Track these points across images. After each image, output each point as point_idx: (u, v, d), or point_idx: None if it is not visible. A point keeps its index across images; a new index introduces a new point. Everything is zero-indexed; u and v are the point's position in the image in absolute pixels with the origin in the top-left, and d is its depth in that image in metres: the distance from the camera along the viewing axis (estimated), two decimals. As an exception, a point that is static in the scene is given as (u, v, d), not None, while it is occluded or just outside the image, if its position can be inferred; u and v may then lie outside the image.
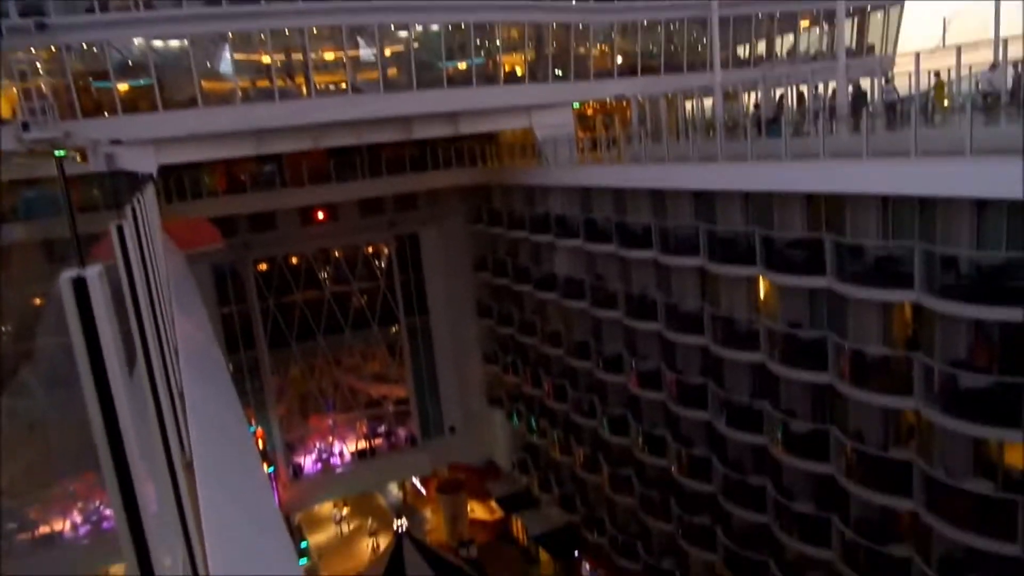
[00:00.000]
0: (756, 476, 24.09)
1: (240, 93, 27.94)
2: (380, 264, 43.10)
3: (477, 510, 44.79)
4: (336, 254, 42.30)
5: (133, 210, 5.55)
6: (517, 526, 42.51)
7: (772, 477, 23.40)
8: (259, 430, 39.59)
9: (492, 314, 40.79)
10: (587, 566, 35.57)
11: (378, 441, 43.57)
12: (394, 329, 42.99)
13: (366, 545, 44.31)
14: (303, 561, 41.71)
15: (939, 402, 17.48)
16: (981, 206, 16.96)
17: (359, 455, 42.82)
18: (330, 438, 42.96)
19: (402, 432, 44.01)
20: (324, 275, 42.23)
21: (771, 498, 23.05)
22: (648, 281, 28.07)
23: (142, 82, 26.79)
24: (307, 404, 43.18)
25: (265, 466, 38.73)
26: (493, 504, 43.39)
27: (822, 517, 21.57)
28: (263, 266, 40.38)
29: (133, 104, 26.81)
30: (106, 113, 26.23)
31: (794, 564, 23.12)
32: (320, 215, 39.93)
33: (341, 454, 42.63)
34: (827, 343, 20.44)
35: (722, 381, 25.08)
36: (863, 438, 20.46)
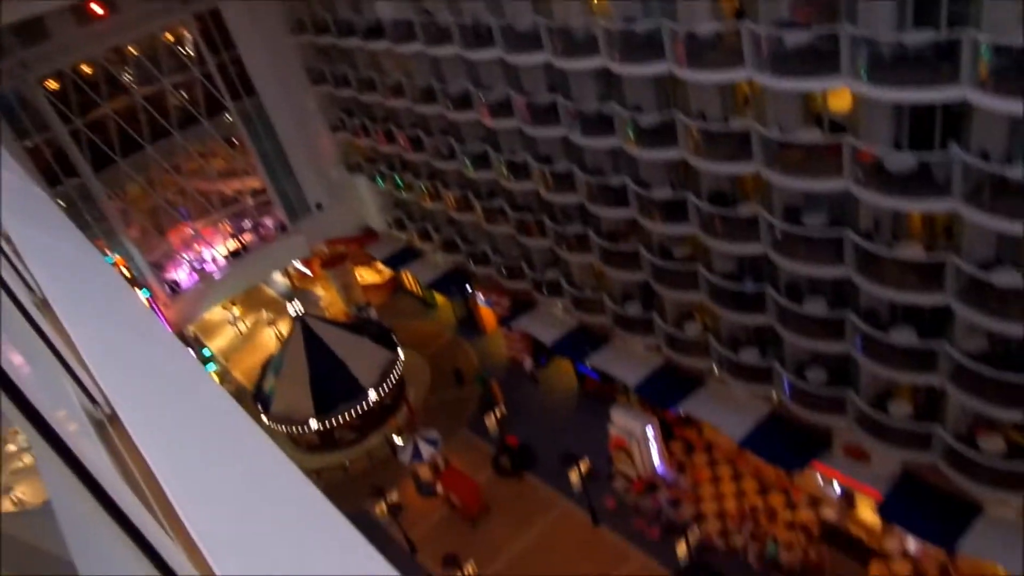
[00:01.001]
0: (616, 176, 25.43)
1: None
2: (187, 51, 38.65)
3: (366, 276, 45.89)
4: (132, 51, 37.40)
5: None
6: (408, 280, 44.14)
7: (630, 173, 24.79)
8: (117, 258, 37.58)
9: (326, 78, 38.26)
10: (481, 296, 37.95)
11: (247, 237, 42.52)
12: (227, 119, 39.85)
13: (268, 336, 45.22)
14: (210, 367, 42.38)
15: (769, 66, 18.44)
16: None
17: (233, 255, 41.89)
18: (196, 246, 41.49)
19: (269, 221, 42.93)
20: (128, 78, 37.65)
21: (632, 192, 24.61)
22: (479, 6, 26.69)
23: None
24: (159, 220, 40.87)
25: (138, 291, 37.44)
26: (380, 266, 44.43)
27: (679, 198, 23.41)
28: (53, 85, 35.42)
29: None
30: None
31: (660, 245, 25.49)
32: (97, 8, 34.51)
33: (214, 259, 41.53)
34: (662, 32, 20.61)
35: (570, 94, 25.27)
36: (705, 117, 21.66)
